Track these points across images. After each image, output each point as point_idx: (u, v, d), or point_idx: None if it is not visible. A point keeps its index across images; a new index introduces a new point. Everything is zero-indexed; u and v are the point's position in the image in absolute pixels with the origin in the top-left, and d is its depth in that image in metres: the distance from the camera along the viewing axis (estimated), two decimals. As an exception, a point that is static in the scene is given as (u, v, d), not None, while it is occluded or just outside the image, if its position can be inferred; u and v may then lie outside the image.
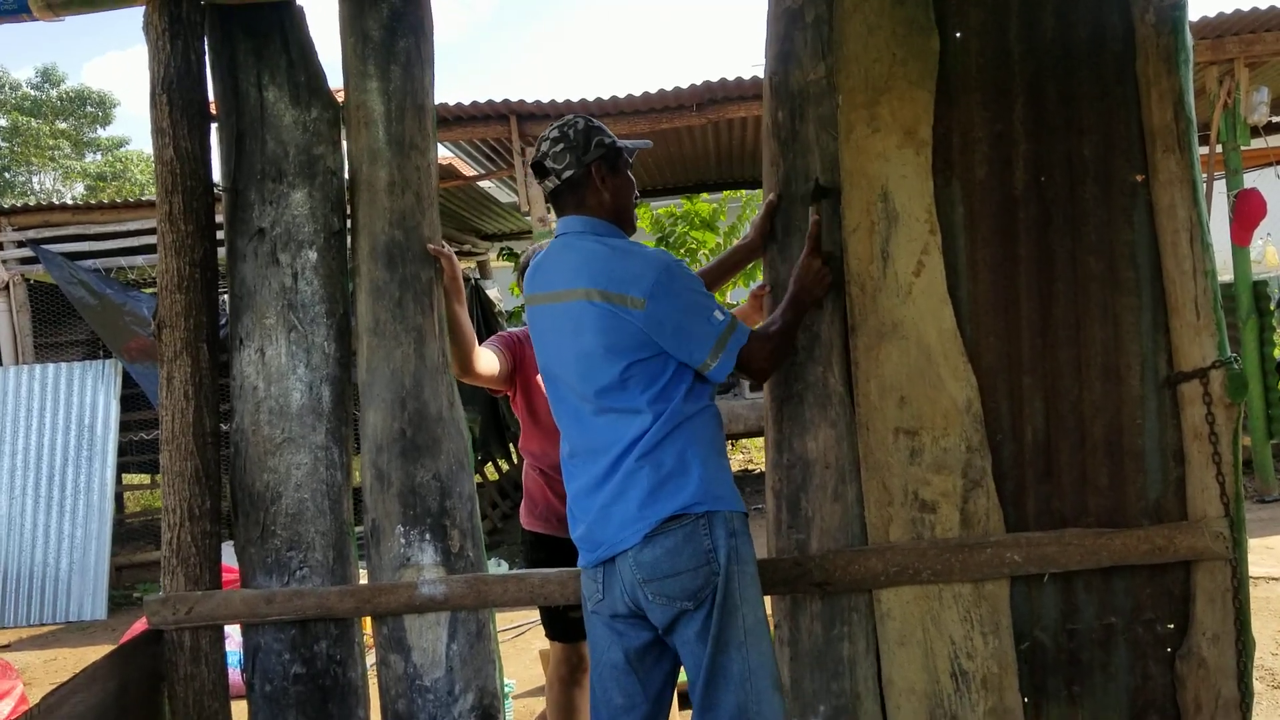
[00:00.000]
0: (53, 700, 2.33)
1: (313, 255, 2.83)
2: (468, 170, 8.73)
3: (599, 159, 2.46)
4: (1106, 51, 2.61)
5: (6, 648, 6.64)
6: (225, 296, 2.97)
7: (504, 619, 4.51)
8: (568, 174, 2.45)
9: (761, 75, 7.11)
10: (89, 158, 33.71)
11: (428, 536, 2.76)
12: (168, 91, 2.74)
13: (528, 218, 8.21)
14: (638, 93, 7.32)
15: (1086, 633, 2.60)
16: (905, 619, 2.56)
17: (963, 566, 2.53)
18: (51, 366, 7.87)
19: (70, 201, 8.48)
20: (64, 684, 2.40)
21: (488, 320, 9.95)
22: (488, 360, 3.12)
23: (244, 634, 2.78)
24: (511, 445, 10.17)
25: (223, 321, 2.91)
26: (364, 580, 2.83)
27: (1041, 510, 2.59)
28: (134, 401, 8.22)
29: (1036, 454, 2.59)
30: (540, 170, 2.50)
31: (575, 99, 7.41)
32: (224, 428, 2.88)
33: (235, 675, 2.99)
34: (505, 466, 10.21)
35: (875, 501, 2.57)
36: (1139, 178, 2.59)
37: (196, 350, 2.76)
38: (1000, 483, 2.58)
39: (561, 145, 2.45)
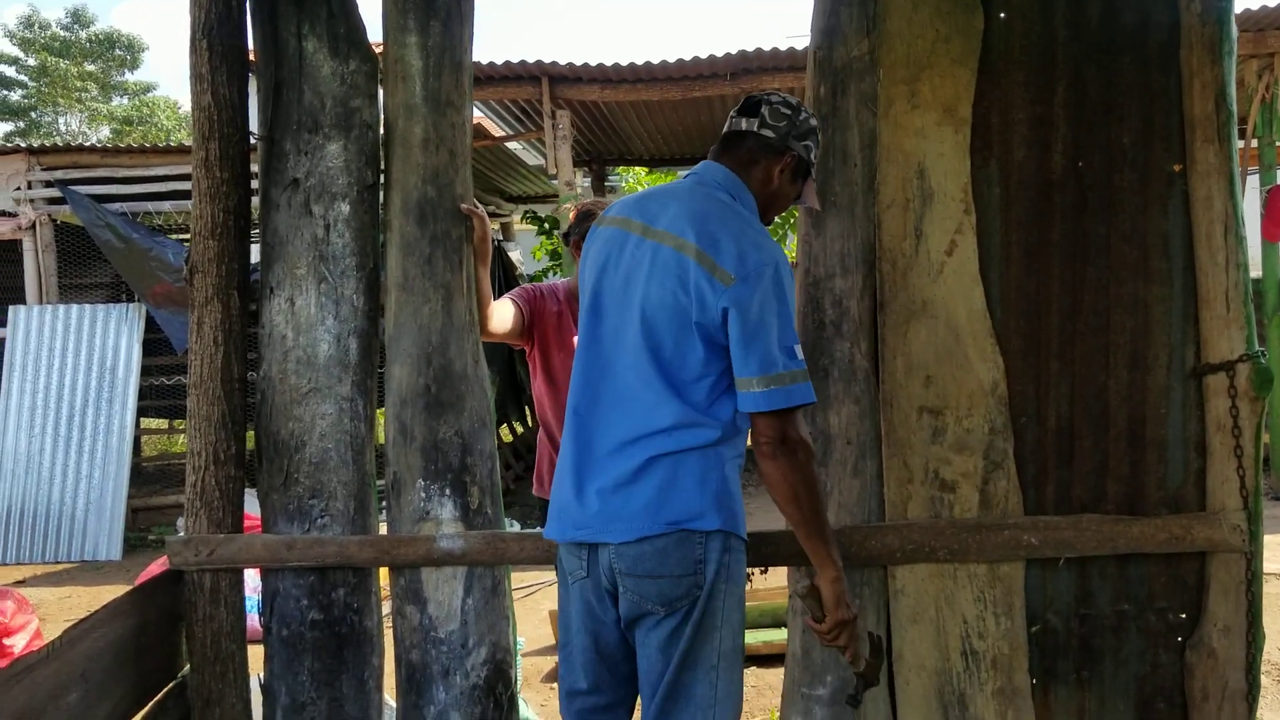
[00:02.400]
0: (75, 634, 2.37)
1: (345, 208, 2.84)
2: (496, 131, 8.72)
3: (797, 156, 2.31)
4: (1150, 39, 2.59)
5: (22, 583, 6.74)
6: (256, 245, 2.99)
7: (516, 579, 4.54)
8: (767, 134, 2.27)
9: (797, 47, 7.12)
10: (115, 101, 33.76)
11: (448, 492, 2.79)
12: (208, 37, 2.74)
13: (554, 181, 8.20)
14: (672, 59, 7.28)
15: (1099, 618, 2.61)
16: (919, 596, 2.58)
17: (979, 547, 2.54)
18: (75, 307, 7.94)
19: (96, 144, 8.50)
20: (85, 619, 2.44)
21: (509, 282, 9.97)
22: (500, 316, 3.14)
23: (263, 578, 2.82)
24: (528, 408, 10.22)
25: (253, 270, 2.93)
26: (383, 532, 2.86)
27: (1061, 495, 2.60)
28: (155, 346, 8.29)
29: (1059, 439, 2.59)
30: (751, 109, 2.30)
31: (609, 63, 7.37)
32: (251, 375, 2.90)
33: (251, 620, 3.02)
34: (520, 429, 10.27)
35: (895, 479, 2.59)
36: (1177, 167, 2.58)
37: (227, 297, 2.78)
38: (1021, 466, 2.58)
39: (788, 113, 2.28)
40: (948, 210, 2.58)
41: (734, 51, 7.23)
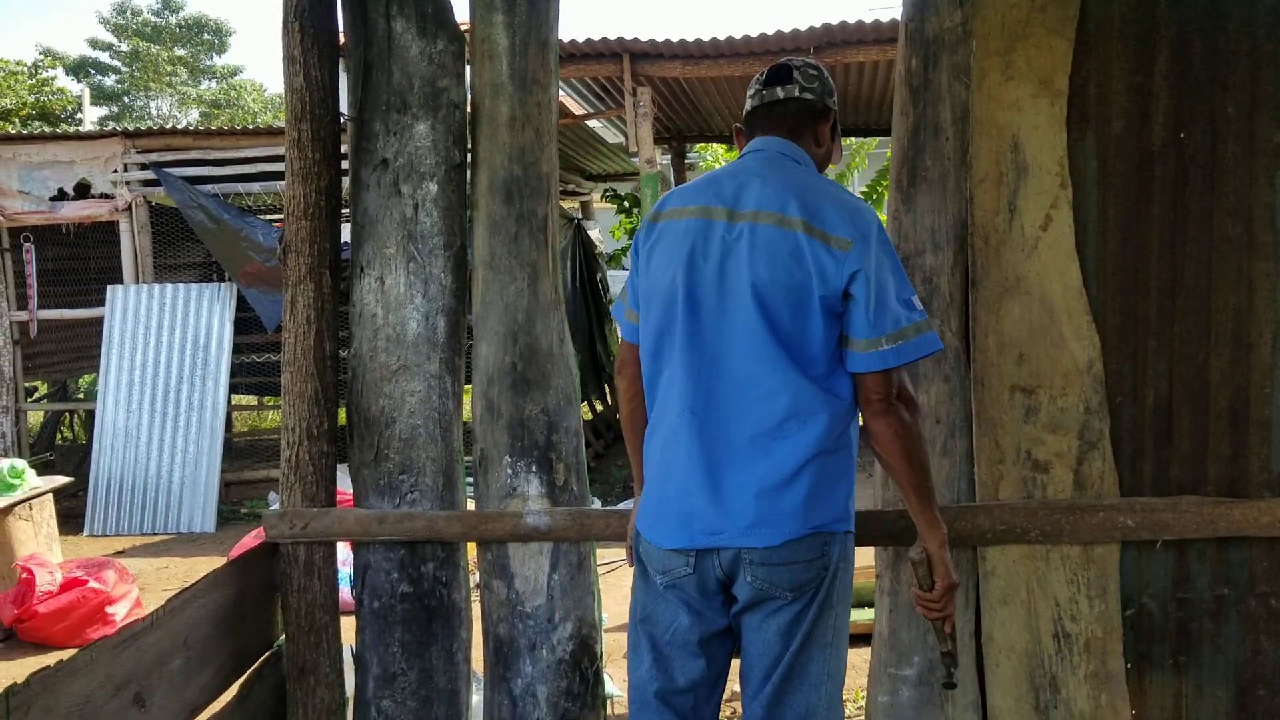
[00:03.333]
0: (177, 603, 2.44)
1: (433, 187, 2.87)
2: (577, 109, 8.73)
3: (835, 114, 2.30)
4: (1258, 5, 2.49)
5: (122, 554, 6.97)
6: (347, 225, 3.03)
7: (599, 555, 4.59)
8: (808, 97, 2.23)
9: (881, 19, 6.98)
10: (204, 85, 34.54)
11: (534, 468, 2.81)
12: (299, 19, 2.78)
13: (634, 159, 8.18)
14: (754, 33, 7.20)
15: (1197, 603, 2.55)
16: (1010, 578, 2.54)
17: (1073, 529, 2.49)
18: (170, 287, 8.15)
19: (188, 127, 8.72)
20: (186, 589, 2.51)
21: (588, 260, 10.02)
22: None
23: (355, 552, 2.87)
24: (608, 385, 10.27)
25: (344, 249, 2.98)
26: (470, 507, 2.90)
27: (1158, 476, 2.54)
28: (245, 325, 8.48)
29: (1157, 419, 2.53)
30: (784, 76, 2.25)
31: (690, 38, 7.31)
32: (342, 353, 2.95)
33: (344, 592, 3.09)
34: (600, 406, 10.33)
35: (986, 459, 2.54)
36: (1284, 138, 2.49)
37: (319, 276, 2.82)
38: (1117, 446, 2.53)
39: (816, 74, 2.26)
40: (1043, 184, 2.52)
41: (817, 25, 7.11)
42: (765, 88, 2.27)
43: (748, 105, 2.32)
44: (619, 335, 2.43)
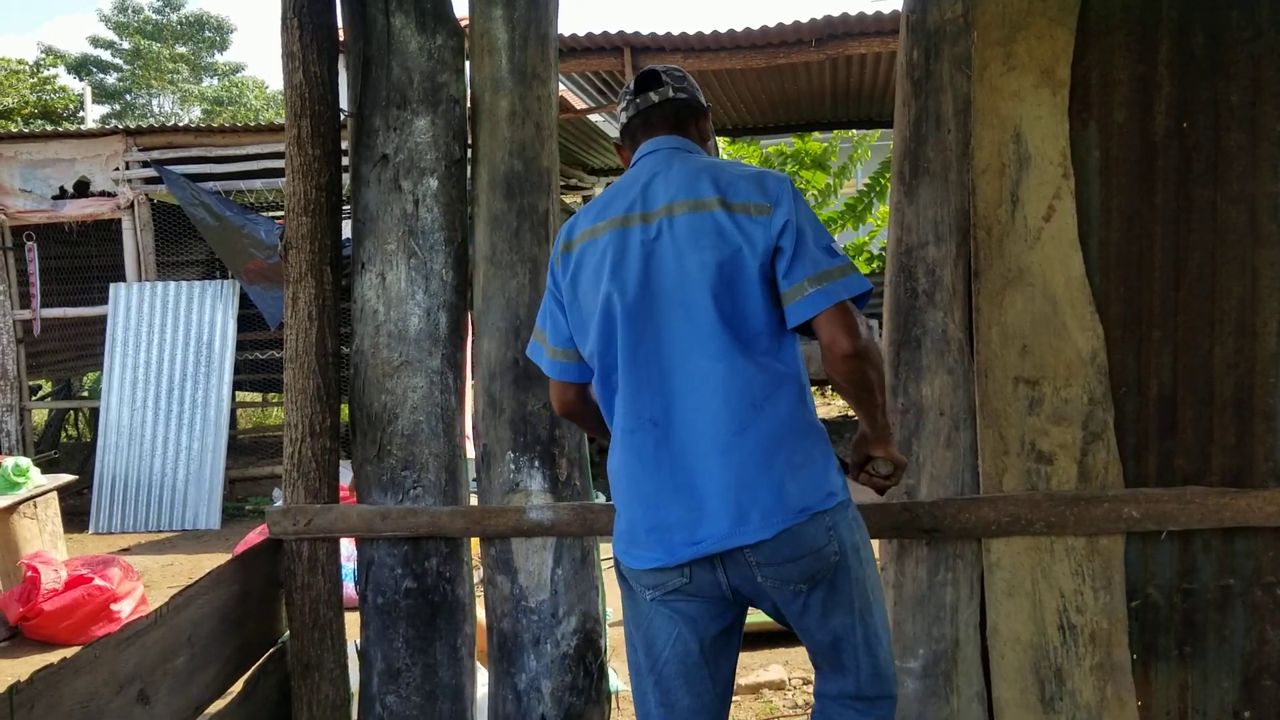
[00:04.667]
0: (181, 600, 2.44)
1: (434, 183, 2.87)
2: (578, 103, 8.72)
3: (707, 111, 2.33)
4: (1261, -9, 2.48)
5: (127, 551, 6.98)
6: (348, 221, 3.03)
7: (602, 550, 4.59)
8: (682, 95, 2.25)
9: (884, 10, 6.96)
10: (206, 82, 34.55)
11: (537, 464, 2.81)
12: (298, 15, 2.77)
13: (636, 153, 8.17)
14: (755, 26, 7.19)
15: (1202, 593, 2.54)
16: (1015, 569, 2.53)
17: (1077, 520, 2.49)
18: (173, 284, 8.16)
19: (190, 124, 8.72)
20: (190, 586, 2.51)
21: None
22: None
23: (359, 548, 2.87)
24: (611, 379, 10.24)
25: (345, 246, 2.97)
26: (473, 503, 2.90)
27: (1163, 467, 2.53)
28: (249, 322, 8.49)
29: (1161, 409, 2.52)
30: (653, 81, 2.27)
31: (691, 31, 7.31)
32: (344, 349, 2.95)
33: (348, 588, 3.09)
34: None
35: (990, 451, 2.54)
36: (1288, 126, 2.48)
37: (321, 272, 2.82)
38: (1121, 436, 2.52)
39: (680, 75, 2.29)
40: (1045, 175, 2.51)
41: (819, 17, 7.11)
42: (638, 95, 2.27)
43: (622, 119, 2.31)
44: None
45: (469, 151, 2.92)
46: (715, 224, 2.03)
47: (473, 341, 2.89)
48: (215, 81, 34.61)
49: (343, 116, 2.90)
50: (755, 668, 4.11)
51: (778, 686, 3.96)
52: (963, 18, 2.56)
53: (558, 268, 2.24)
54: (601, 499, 2.97)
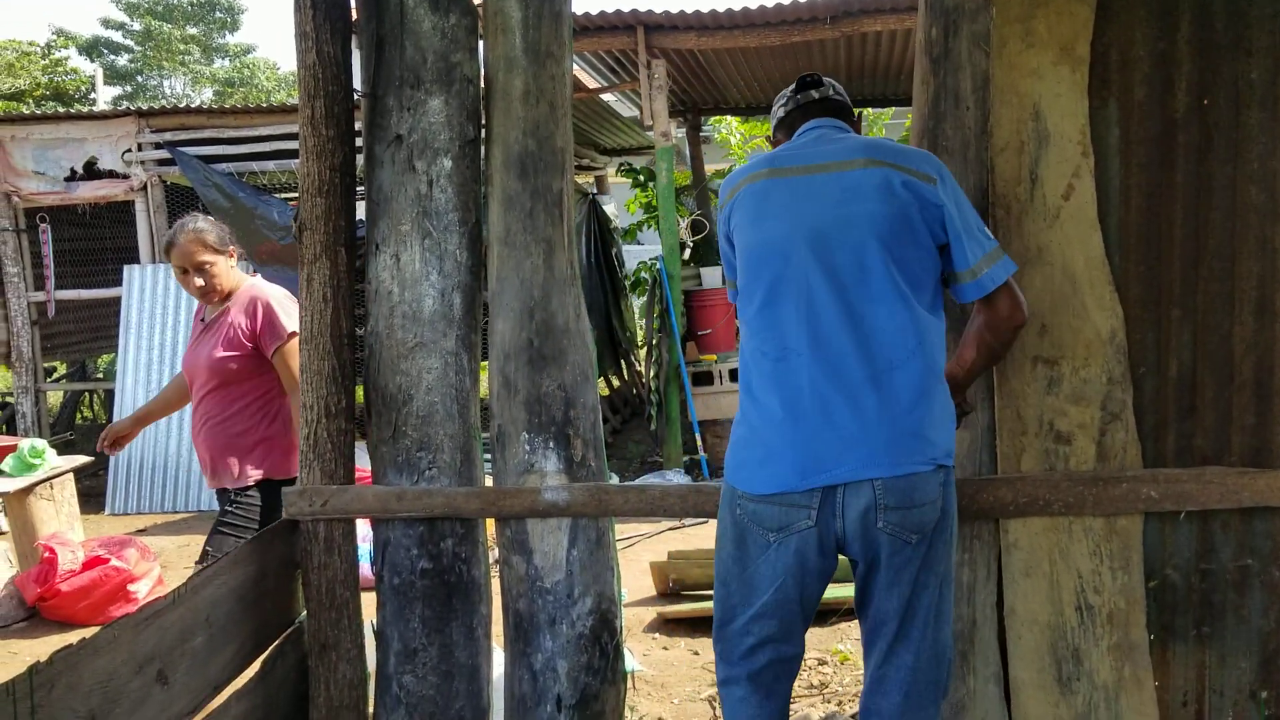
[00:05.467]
0: (198, 581, 2.45)
1: (448, 163, 2.86)
2: (591, 82, 8.68)
3: (857, 119, 2.59)
4: (1283, -34, 2.45)
5: (143, 532, 7.02)
6: (362, 202, 3.02)
7: (616, 530, 4.61)
8: (839, 98, 2.53)
9: (898, -14, 6.88)
10: (217, 63, 34.54)
11: (551, 444, 2.81)
12: (311, -5, 2.76)
13: (649, 132, 8.14)
14: (770, 3, 7.13)
15: (1220, 573, 2.53)
16: (1032, 550, 2.53)
17: (1095, 500, 2.47)
18: (186, 266, 8.15)
19: (202, 105, 8.69)
20: (208, 566, 2.52)
21: (603, 235, 9.98)
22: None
23: (374, 529, 2.88)
24: (624, 361, 10.26)
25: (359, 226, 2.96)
26: (488, 483, 2.90)
27: (1182, 447, 2.52)
28: (261, 303, 8.46)
29: (1180, 389, 2.51)
30: (814, 81, 2.54)
31: (706, 9, 7.25)
32: (359, 330, 2.95)
33: (364, 569, 3.10)
34: (617, 382, 10.32)
35: (1008, 431, 2.53)
36: (1310, 103, 2.45)
37: (335, 253, 2.81)
38: (1140, 417, 2.51)
39: (839, 85, 2.57)
40: (1064, 153, 2.49)
41: (834, -6, 7.06)
42: (799, 92, 2.53)
43: (780, 113, 2.55)
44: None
45: (483, 131, 2.90)
46: (885, 178, 2.22)
47: (487, 322, 2.89)
48: (226, 63, 34.61)
49: (356, 97, 2.89)
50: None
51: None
52: (982, -5, 2.54)
53: (722, 212, 2.47)
54: (616, 480, 2.97)
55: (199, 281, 3.55)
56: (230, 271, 3.63)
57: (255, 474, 3.58)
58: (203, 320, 3.70)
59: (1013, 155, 2.52)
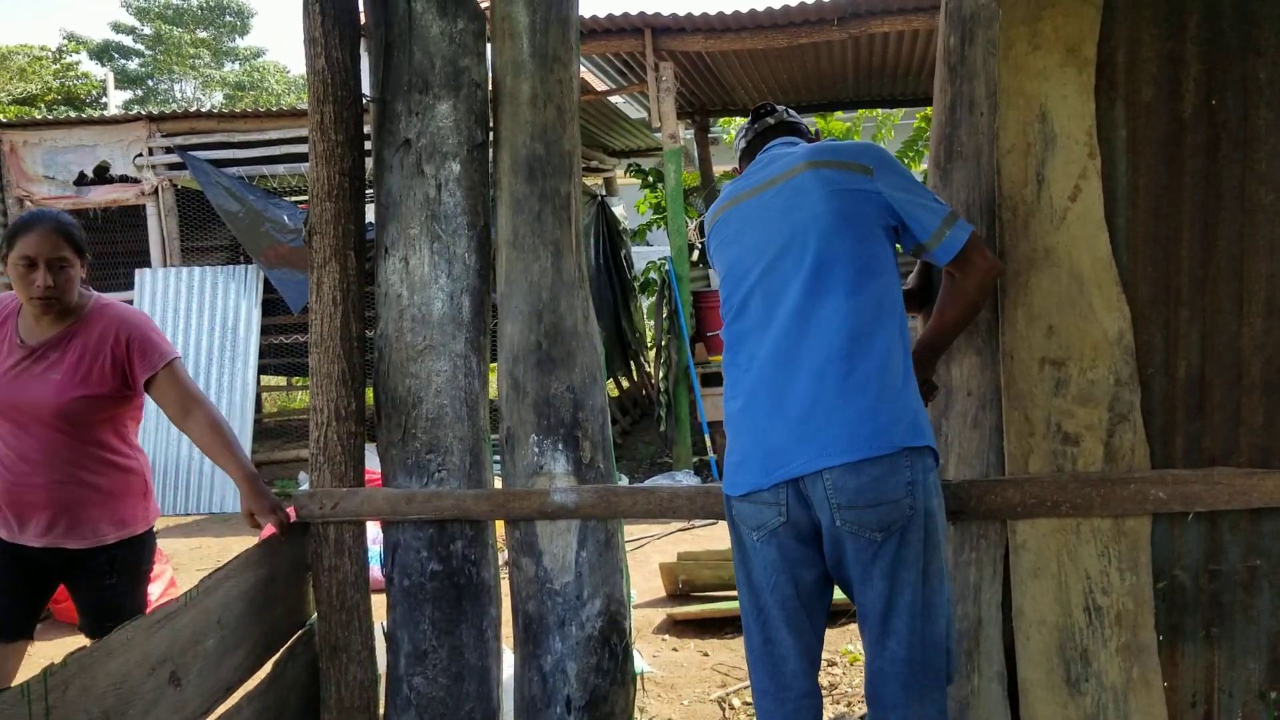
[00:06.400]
0: (210, 583, 2.47)
1: (456, 167, 2.87)
2: (599, 85, 8.69)
3: (812, 136, 2.73)
4: (1290, -34, 2.45)
5: (155, 534, 7.04)
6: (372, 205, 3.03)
7: (626, 532, 4.62)
8: (791, 120, 2.68)
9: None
10: (227, 67, 34.63)
11: (560, 446, 2.82)
12: (320, 1, 2.78)
13: (657, 134, 8.15)
14: (777, 5, 7.14)
15: (1229, 574, 2.53)
16: (1040, 551, 2.53)
17: (1104, 501, 2.47)
18: (197, 270, 8.21)
19: (211, 109, 8.74)
20: (219, 569, 2.54)
21: (612, 237, 9.99)
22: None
23: (384, 531, 2.89)
24: (633, 362, 10.27)
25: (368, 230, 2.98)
26: (497, 486, 2.91)
27: (1190, 448, 2.51)
28: (272, 306, 8.52)
29: (1189, 390, 2.50)
30: (766, 110, 2.71)
31: (713, 11, 7.27)
32: (368, 334, 2.96)
33: (374, 571, 3.12)
34: (626, 383, 10.33)
35: (1016, 432, 2.53)
36: (1319, 103, 2.44)
37: (344, 257, 2.83)
38: (1148, 418, 2.50)
39: (795, 113, 2.73)
40: (1071, 154, 2.49)
41: (841, -5, 7.06)
42: (755, 122, 2.70)
43: (742, 144, 2.72)
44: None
45: (491, 135, 2.92)
46: (824, 180, 2.33)
47: (496, 325, 2.90)
48: (236, 66, 34.70)
49: (365, 102, 2.91)
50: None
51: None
52: (995, 2, 2.55)
53: (706, 233, 2.64)
54: (625, 482, 2.98)
55: (47, 281, 2.72)
56: (78, 284, 2.84)
57: (133, 527, 2.96)
58: (21, 342, 2.81)
59: (1019, 157, 2.52)
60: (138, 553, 2.98)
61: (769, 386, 2.28)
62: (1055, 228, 2.50)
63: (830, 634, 4.25)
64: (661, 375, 8.03)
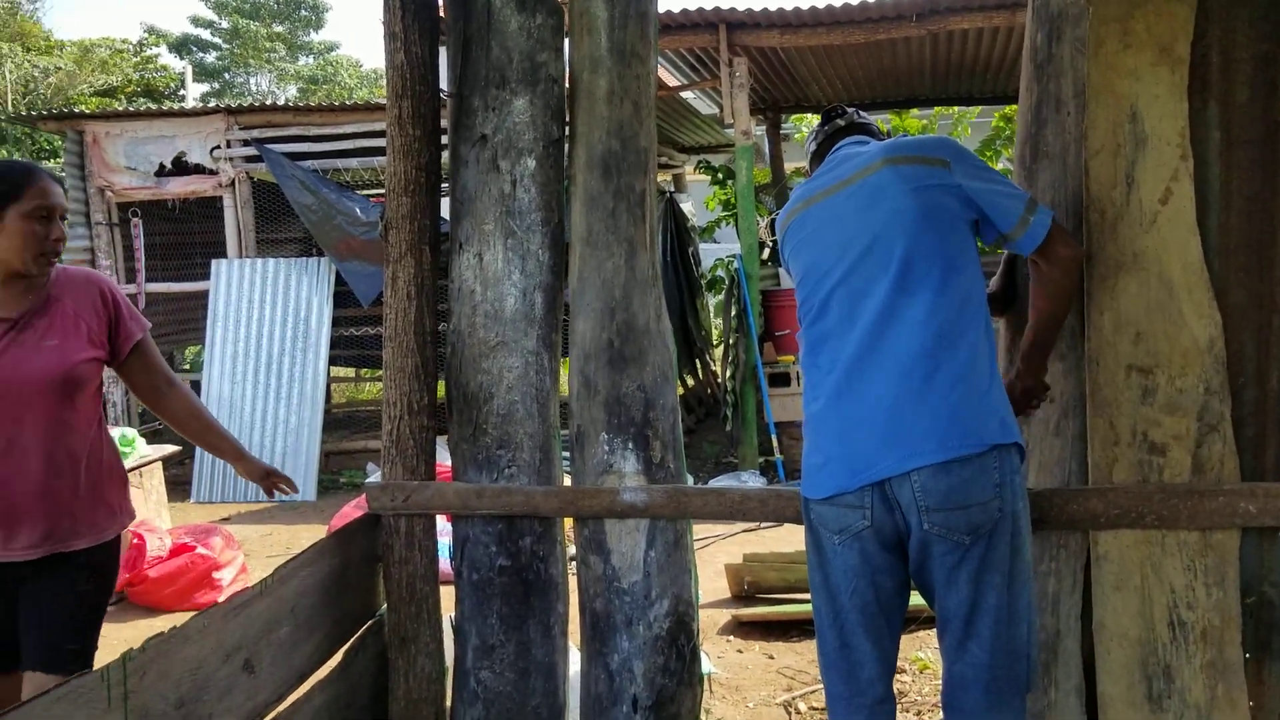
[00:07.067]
0: (284, 572, 2.50)
1: (531, 163, 2.87)
2: (671, 80, 8.66)
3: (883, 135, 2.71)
4: (1397, -38, 2.35)
5: (228, 520, 7.18)
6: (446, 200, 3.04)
7: (696, 533, 4.61)
8: (861, 120, 2.66)
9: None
10: (302, 60, 35.18)
11: (630, 445, 2.81)
12: (401, -4, 2.79)
13: (728, 130, 8.11)
14: (855, 1, 7.06)
15: (1321, 592, 2.44)
16: (1123, 563, 2.46)
17: (1190, 514, 2.40)
18: (272, 261, 8.34)
19: (286, 103, 8.87)
20: (293, 559, 2.57)
21: (680, 234, 9.97)
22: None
23: (454, 525, 2.91)
24: (698, 360, 10.24)
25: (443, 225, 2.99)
26: (566, 483, 2.91)
27: (1282, 460, 2.43)
28: (342, 298, 8.62)
29: (1282, 400, 2.42)
30: (835, 112, 2.68)
31: (789, 7, 7.19)
32: (441, 327, 2.98)
33: (442, 564, 3.13)
34: (691, 381, 10.30)
35: (1100, 440, 2.46)
36: None
37: (420, 252, 2.85)
38: (1238, 428, 2.42)
39: (863, 113, 2.71)
40: (1162, 156, 2.41)
41: (920, -9, 6.96)
42: (825, 124, 2.68)
43: (812, 147, 2.69)
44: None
45: (566, 131, 2.91)
46: (903, 175, 2.29)
47: (568, 322, 2.90)
48: (310, 60, 35.24)
49: (442, 96, 2.92)
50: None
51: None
52: (1085, -2, 2.49)
53: (780, 251, 2.61)
54: (691, 480, 2.96)
55: (52, 235, 2.50)
56: None
57: (125, 519, 2.76)
58: None
59: (1108, 158, 2.45)
60: (115, 551, 2.72)
61: (853, 387, 2.25)
62: (1145, 231, 2.43)
63: (901, 640, 4.20)
64: (729, 374, 7.99)
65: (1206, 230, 2.42)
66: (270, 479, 2.97)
